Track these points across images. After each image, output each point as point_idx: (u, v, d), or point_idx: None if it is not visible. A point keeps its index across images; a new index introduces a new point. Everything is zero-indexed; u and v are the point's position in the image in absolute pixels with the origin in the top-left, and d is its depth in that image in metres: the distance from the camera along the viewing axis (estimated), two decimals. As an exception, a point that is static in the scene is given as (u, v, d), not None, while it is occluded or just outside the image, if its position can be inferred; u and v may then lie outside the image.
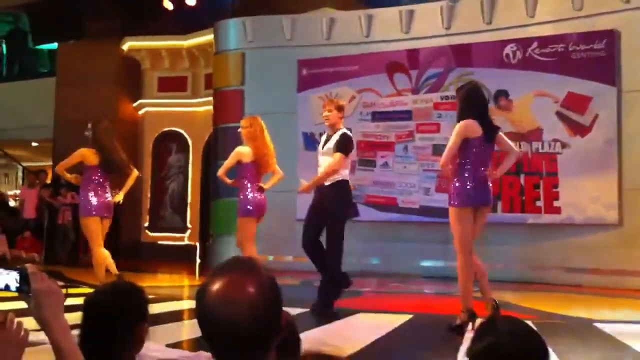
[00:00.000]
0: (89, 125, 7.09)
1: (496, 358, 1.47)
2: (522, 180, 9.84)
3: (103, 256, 6.86)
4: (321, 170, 6.36)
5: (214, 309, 1.25)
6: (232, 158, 6.84)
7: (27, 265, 1.57)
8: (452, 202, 5.37)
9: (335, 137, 6.34)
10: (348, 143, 6.38)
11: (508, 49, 10.11)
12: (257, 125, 6.81)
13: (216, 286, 1.27)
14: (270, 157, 6.83)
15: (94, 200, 6.91)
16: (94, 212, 6.91)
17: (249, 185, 6.73)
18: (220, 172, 6.97)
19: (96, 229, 6.91)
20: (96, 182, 6.98)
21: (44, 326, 1.53)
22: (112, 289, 2.02)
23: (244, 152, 6.79)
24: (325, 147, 6.41)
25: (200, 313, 1.28)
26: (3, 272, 1.59)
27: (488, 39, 10.38)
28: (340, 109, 6.44)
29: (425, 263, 10.37)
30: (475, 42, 10.47)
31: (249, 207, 6.72)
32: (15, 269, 1.58)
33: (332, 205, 6.30)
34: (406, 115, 10.83)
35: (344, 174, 6.38)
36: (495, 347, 1.48)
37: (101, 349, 1.85)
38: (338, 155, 6.25)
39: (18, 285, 1.56)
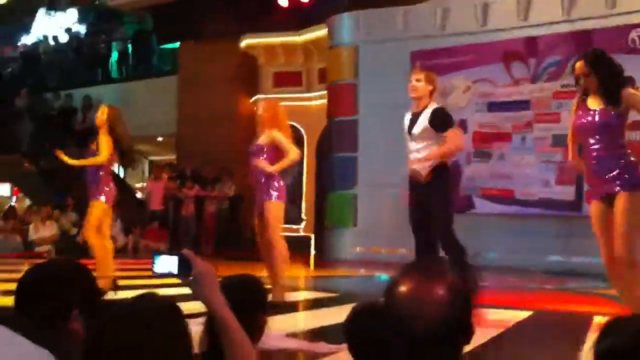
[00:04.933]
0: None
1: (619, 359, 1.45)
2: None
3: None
4: (416, 156, 5.14)
5: (404, 307, 1.29)
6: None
7: (184, 251, 1.68)
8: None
9: (426, 115, 5.16)
10: (450, 117, 5.30)
11: (634, 34, 9.61)
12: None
13: (407, 286, 1.31)
14: None
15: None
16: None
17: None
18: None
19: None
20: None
21: (207, 304, 1.65)
22: (236, 281, 2.15)
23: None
24: (414, 130, 5.18)
25: (389, 310, 1.32)
26: (164, 258, 1.69)
27: (612, 24, 9.89)
28: (430, 81, 5.24)
29: (546, 258, 10.02)
30: (597, 27, 10.00)
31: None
32: (173, 254, 1.69)
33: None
34: (524, 105, 10.54)
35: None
36: (619, 348, 1.46)
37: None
38: (452, 130, 5.19)
39: (179, 269, 1.66)
